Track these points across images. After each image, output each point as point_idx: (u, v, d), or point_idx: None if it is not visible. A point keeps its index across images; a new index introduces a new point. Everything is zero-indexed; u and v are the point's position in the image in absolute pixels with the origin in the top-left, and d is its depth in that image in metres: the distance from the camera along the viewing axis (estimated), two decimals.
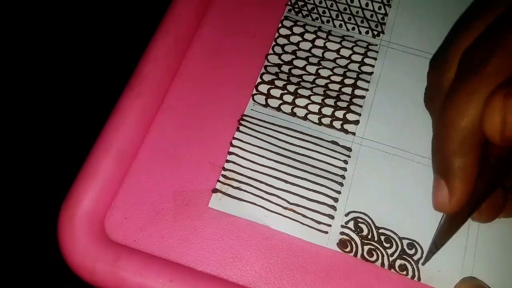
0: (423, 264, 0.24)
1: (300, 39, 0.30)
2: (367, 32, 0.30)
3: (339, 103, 0.27)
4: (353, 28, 0.30)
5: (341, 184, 0.26)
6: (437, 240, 0.23)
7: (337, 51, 0.29)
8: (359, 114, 0.27)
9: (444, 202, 0.20)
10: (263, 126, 0.27)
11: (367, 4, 0.31)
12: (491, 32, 0.20)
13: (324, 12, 0.31)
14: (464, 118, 0.19)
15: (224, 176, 0.26)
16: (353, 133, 0.27)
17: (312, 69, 0.29)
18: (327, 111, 0.27)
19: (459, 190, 0.20)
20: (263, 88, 0.28)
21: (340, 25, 0.30)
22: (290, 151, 0.26)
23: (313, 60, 0.29)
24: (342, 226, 0.25)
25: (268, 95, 0.28)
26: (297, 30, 0.30)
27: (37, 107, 0.87)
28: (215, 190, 0.26)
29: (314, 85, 0.28)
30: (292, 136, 0.27)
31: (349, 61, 0.29)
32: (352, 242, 0.24)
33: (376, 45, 0.29)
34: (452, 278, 0.24)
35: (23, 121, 0.86)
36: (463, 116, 0.19)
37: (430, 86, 0.24)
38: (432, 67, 0.24)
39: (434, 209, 0.21)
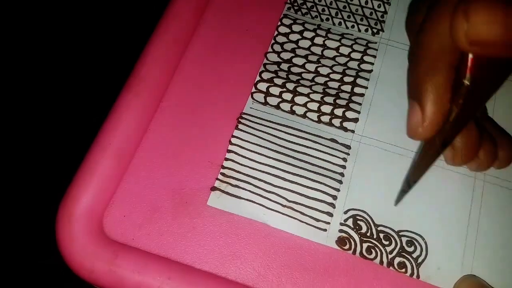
0: (395, 204, 0.24)
1: (299, 37, 0.30)
2: (366, 30, 0.30)
3: (339, 101, 0.27)
4: (353, 26, 0.30)
5: (340, 182, 0.26)
6: (410, 176, 0.23)
7: (337, 49, 0.29)
8: (359, 112, 0.27)
9: (417, 125, 0.20)
10: (262, 124, 0.27)
11: (366, 2, 0.31)
12: None
13: (323, 10, 0.31)
14: (434, 38, 0.19)
15: (222, 174, 0.26)
16: (352, 131, 0.27)
17: (311, 67, 0.29)
18: (326, 109, 0.27)
19: (432, 112, 0.19)
20: (262, 86, 0.28)
21: (340, 23, 0.30)
22: (289, 149, 0.26)
23: (312, 58, 0.29)
24: (341, 224, 0.25)
25: (267, 93, 0.28)
26: (296, 28, 0.30)
27: (35, 106, 0.87)
28: (214, 188, 0.26)
29: (313, 83, 0.28)
30: (291, 134, 0.27)
31: (348, 59, 0.29)
32: (351, 240, 0.24)
33: (376, 43, 0.29)
34: (452, 276, 0.24)
35: (22, 120, 0.86)
36: (433, 35, 0.19)
37: (409, 19, 0.25)
38: (408, 13, 0.24)
39: (408, 135, 0.21)
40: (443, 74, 0.19)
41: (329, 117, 0.27)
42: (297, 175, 0.26)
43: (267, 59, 0.29)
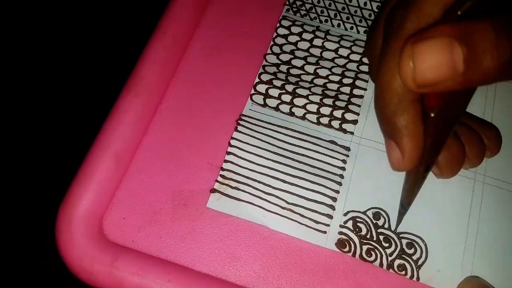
0: (395, 228, 0.24)
1: (298, 38, 0.30)
2: (365, 32, 0.30)
3: (338, 103, 0.27)
4: (352, 28, 0.30)
5: (339, 184, 0.26)
6: (403, 200, 0.24)
7: (336, 50, 0.29)
8: (358, 114, 0.27)
9: (398, 161, 0.21)
10: (261, 126, 0.27)
11: (365, 4, 0.31)
12: None
13: (322, 11, 0.31)
14: (393, 78, 0.19)
15: (222, 176, 0.26)
16: (352, 133, 0.27)
17: (310, 68, 0.29)
18: (325, 110, 0.27)
19: (409, 148, 0.20)
20: (262, 88, 0.28)
21: (339, 25, 0.30)
22: (288, 150, 0.26)
23: (312, 59, 0.29)
24: (341, 226, 0.25)
25: (266, 95, 0.28)
26: (295, 29, 0.30)
27: (35, 108, 0.87)
28: (213, 190, 0.26)
29: (312, 84, 0.28)
30: (291, 136, 0.27)
31: (347, 60, 0.29)
32: (351, 242, 0.24)
33: None
34: (452, 278, 0.24)
35: (21, 122, 0.86)
36: (392, 75, 0.19)
37: (368, 59, 0.25)
38: (366, 40, 0.24)
39: (392, 169, 0.22)
40: (410, 112, 0.19)
41: (328, 119, 0.27)
42: (296, 177, 0.26)
43: (266, 60, 0.29)
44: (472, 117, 0.27)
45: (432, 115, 0.19)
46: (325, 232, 0.24)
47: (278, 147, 0.26)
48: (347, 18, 0.30)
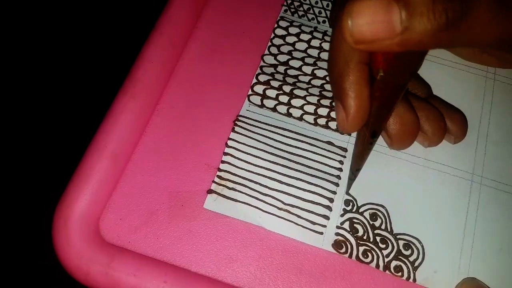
0: (346, 193, 0.25)
1: (296, 39, 0.30)
2: None
3: None
4: None
5: (336, 185, 0.26)
6: (352, 166, 0.24)
7: None
8: None
9: (343, 122, 0.21)
10: (258, 127, 0.27)
11: None
12: None
13: (320, 12, 0.31)
14: (340, 39, 0.20)
15: (219, 177, 0.26)
16: (349, 134, 0.27)
17: (308, 69, 0.29)
18: (322, 111, 0.27)
19: (352, 108, 0.21)
20: (259, 88, 0.28)
21: None
22: (285, 151, 0.26)
23: (309, 60, 0.29)
24: (338, 227, 0.25)
25: (263, 96, 0.28)
26: (293, 30, 0.30)
27: (31, 109, 0.87)
28: (210, 191, 0.26)
29: (309, 85, 0.28)
30: (288, 137, 0.27)
31: None
32: (347, 243, 0.24)
33: None
34: (448, 280, 0.23)
35: (18, 123, 0.86)
36: (339, 37, 0.20)
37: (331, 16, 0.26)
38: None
39: (339, 131, 0.22)
40: (356, 73, 0.20)
41: (325, 119, 0.27)
42: (294, 177, 0.26)
43: (263, 61, 0.29)
44: (439, 100, 0.27)
45: (378, 78, 0.19)
46: (321, 233, 0.24)
47: (275, 148, 0.26)
48: None
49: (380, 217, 0.25)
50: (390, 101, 0.20)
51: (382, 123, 0.21)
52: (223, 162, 0.26)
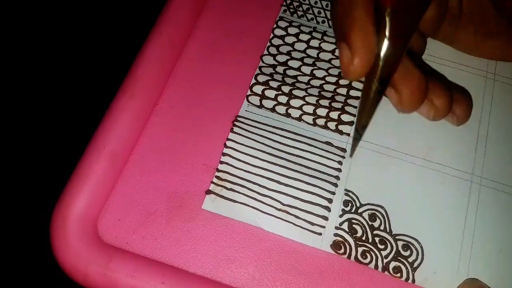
0: (350, 156, 0.24)
1: (295, 39, 0.30)
2: None
3: (334, 104, 0.27)
4: None
5: (335, 185, 0.25)
6: (357, 123, 0.22)
7: (332, 51, 0.29)
8: (354, 115, 0.27)
9: (348, 64, 0.19)
10: (257, 127, 0.27)
11: None
12: None
13: (319, 12, 0.31)
14: None
15: (217, 177, 0.26)
16: (348, 134, 0.27)
17: (307, 70, 0.29)
18: (321, 112, 0.27)
19: (358, 45, 0.19)
20: (258, 89, 0.28)
21: None
22: (284, 152, 0.26)
23: (308, 61, 0.29)
24: (336, 228, 0.25)
25: (262, 96, 0.28)
26: (292, 30, 0.30)
27: (29, 109, 0.87)
28: (209, 192, 0.25)
29: (309, 86, 0.28)
30: (286, 137, 0.27)
31: None
32: (346, 244, 0.24)
33: None
34: (448, 280, 0.23)
35: (17, 123, 0.86)
36: None
37: None
38: None
39: (343, 76, 0.20)
40: (361, 8, 0.19)
41: (324, 120, 0.27)
42: (292, 178, 0.25)
43: (262, 61, 0.29)
44: (447, 81, 0.26)
45: (386, 15, 0.18)
46: (320, 234, 0.24)
47: (274, 148, 0.26)
48: None
49: (379, 218, 0.25)
50: (400, 42, 0.19)
51: (391, 69, 0.20)
52: (221, 162, 0.26)
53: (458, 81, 0.28)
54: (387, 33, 0.19)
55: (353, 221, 0.25)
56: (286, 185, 0.25)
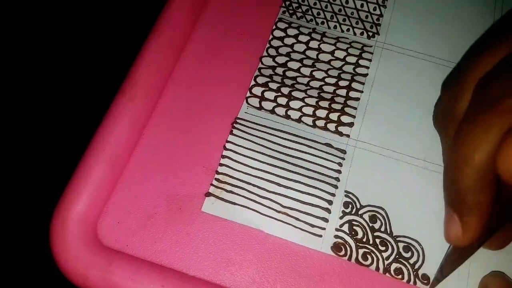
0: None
1: (294, 41, 0.29)
2: (362, 34, 0.30)
3: (334, 105, 0.27)
4: (348, 30, 0.30)
5: (335, 187, 0.25)
6: (444, 268, 0.23)
7: (332, 52, 0.29)
8: (354, 116, 0.27)
9: (457, 237, 0.19)
10: (256, 129, 0.27)
11: (362, 5, 0.30)
12: None
13: (318, 13, 0.30)
14: (479, 154, 0.18)
15: (217, 179, 0.26)
16: (348, 135, 0.27)
17: (306, 71, 0.28)
18: (321, 113, 0.27)
19: (473, 226, 0.19)
20: (257, 90, 0.28)
21: (335, 27, 0.30)
22: (284, 154, 0.26)
23: (308, 62, 0.29)
24: (337, 230, 0.24)
25: (262, 98, 0.28)
26: (291, 32, 0.30)
27: (29, 111, 0.87)
28: (208, 194, 0.25)
29: (308, 87, 0.28)
30: (286, 139, 0.27)
31: (343, 62, 0.29)
32: (347, 246, 0.24)
33: (371, 46, 0.29)
34: (449, 281, 0.23)
35: (16, 125, 0.86)
36: (478, 151, 0.18)
37: (442, 109, 0.22)
38: (446, 91, 0.22)
39: (447, 241, 0.20)
40: (487, 193, 0.18)
41: (324, 121, 0.27)
42: (292, 180, 0.25)
43: (262, 63, 0.29)
44: None
45: (507, 197, 0.18)
46: (320, 236, 0.24)
47: (273, 150, 0.26)
48: (344, 20, 0.30)
49: (380, 219, 0.25)
50: (509, 217, 0.19)
51: (492, 235, 0.21)
52: (221, 165, 0.26)
53: None
54: (501, 213, 0.19)
55: (354, 222, 0.25)
56: (286, 187, 0.25)
